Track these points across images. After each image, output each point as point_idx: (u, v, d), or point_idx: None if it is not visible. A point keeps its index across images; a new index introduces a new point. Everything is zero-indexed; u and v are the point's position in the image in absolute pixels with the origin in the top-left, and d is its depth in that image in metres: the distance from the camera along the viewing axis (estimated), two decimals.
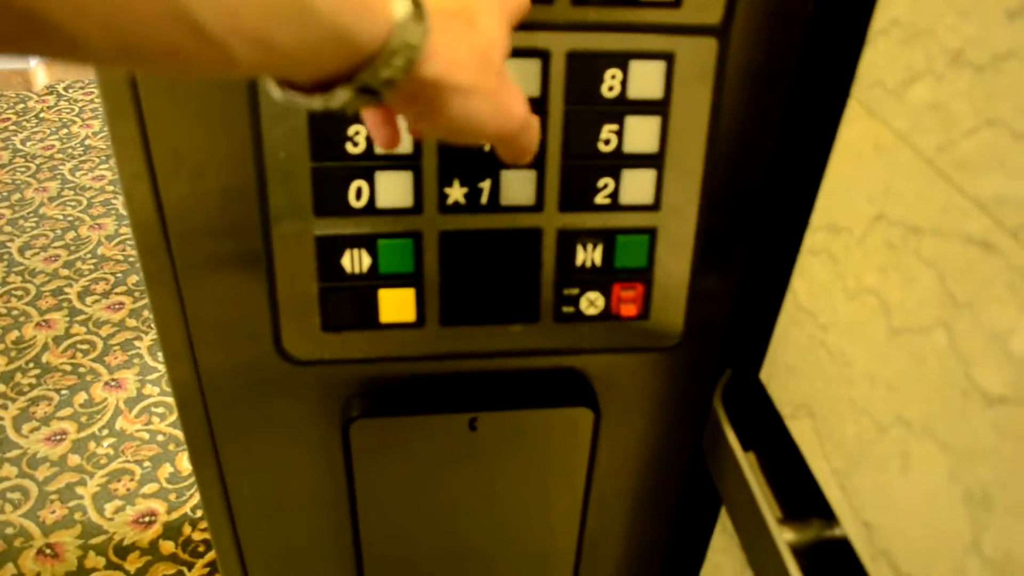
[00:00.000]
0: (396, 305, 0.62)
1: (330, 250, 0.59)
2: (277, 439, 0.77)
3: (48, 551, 1.53)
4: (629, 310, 0.65)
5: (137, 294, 2.20)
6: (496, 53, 0.40)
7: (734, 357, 0.73)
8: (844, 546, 0.52)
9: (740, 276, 0.69)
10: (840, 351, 0.53)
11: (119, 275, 2.28)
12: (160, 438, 1.77)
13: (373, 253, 0.59)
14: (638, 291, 0.64)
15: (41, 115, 3.23)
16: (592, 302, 0.64)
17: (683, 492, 0.85)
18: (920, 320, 0.44)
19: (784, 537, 0.56)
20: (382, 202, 0.58)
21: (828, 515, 0.55)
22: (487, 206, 0.60)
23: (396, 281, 0.61)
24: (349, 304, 0.61)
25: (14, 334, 2.06)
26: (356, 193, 0.57)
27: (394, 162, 0.57)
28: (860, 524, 0.50)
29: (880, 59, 0.48)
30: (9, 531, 1.57)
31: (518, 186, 0.59)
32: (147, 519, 1.60)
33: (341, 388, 0.74)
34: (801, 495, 0.61)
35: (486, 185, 0.59)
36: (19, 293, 2.21)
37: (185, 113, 0.55)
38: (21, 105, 3.30)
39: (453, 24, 0.38)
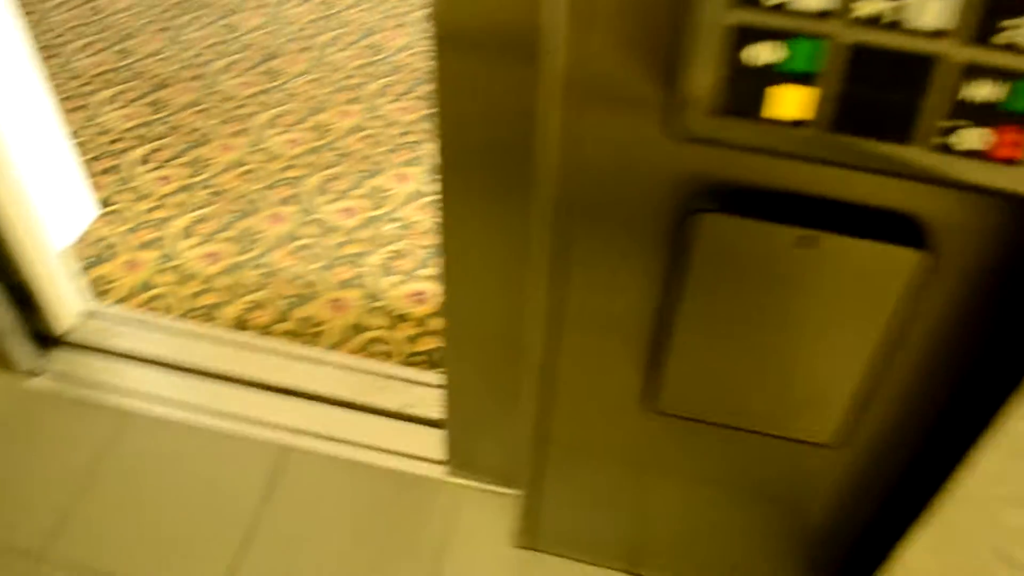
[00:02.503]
0: (790, 102, 0.66)
1: (741, 39, 0.64)
2: (615, 231, 0.85)
3: (336, 303, 1.77)
4: (1009, 153, 0.66)
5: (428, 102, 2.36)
6: None
7: None
8: None
9: None
10: None
11: (412, 82, 2.45)
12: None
13: (782, 48, 0.64)
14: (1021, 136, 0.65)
15: None
16: (974, 138, 0.66)
17: (986, 354, 0.87)
18: None
19: None
20: (797, 5, 0.61)
21: None
22: (895, 25, 0.62)
23: (795, 79, 0.65)
24: (746, 93, 0.66)
25: (319, 117, 2.30)
26: None
27: None
28: None
29: None
30: (307, 280, 1.82)
31: (931, 10, 0.61)
32: (419, 296, 1.80)
33: (692, 186, 0.80)
34: None
35: (901, 4, 0.61)
36: (323, 81, 2.44)
37: None
38: None
39: None
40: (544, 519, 1.34)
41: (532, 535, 1.37)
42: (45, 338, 1.64)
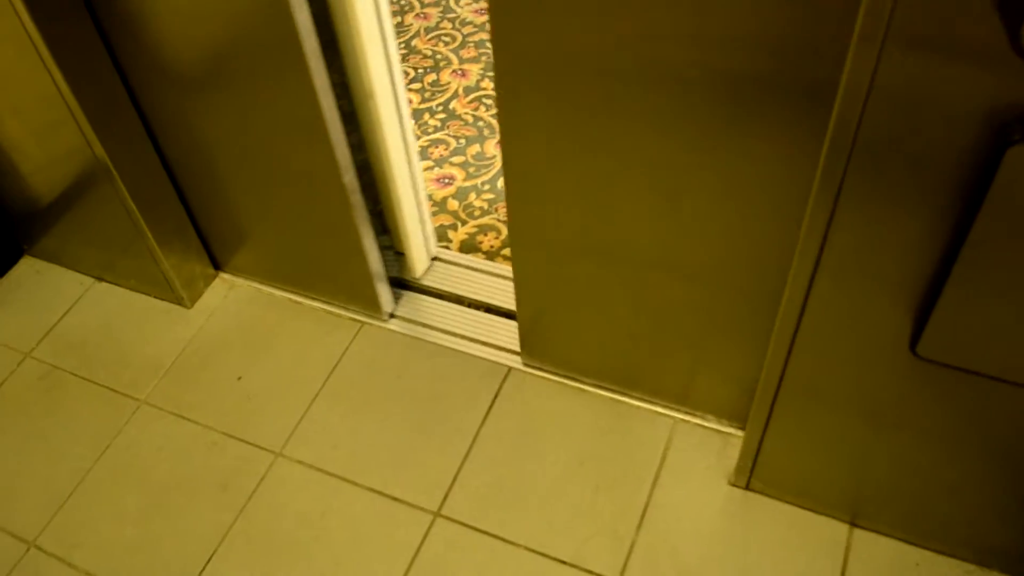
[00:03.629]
0: None
1: None
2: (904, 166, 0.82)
3: None
4: None
5: None
6: None
7: None
8: None
9: None
10: None
11: None
12: (480, 123, 2.12)
13: None
14: None
15: None
16: None
17: None
18: None
19: None
20: None
21: None
22: None
23: None
24: None
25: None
26: None
27: None
28: None
29: None
30: None
31: None
32: (446, 180, 1.97)
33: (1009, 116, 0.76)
34: None
35: None
36: (447, 39, 2.43)
37: None
38: None
39: None
40: (765, 460, 1.33)
41: (750, 475, 1.37)
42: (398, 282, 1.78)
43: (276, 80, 1.32)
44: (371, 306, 1.69)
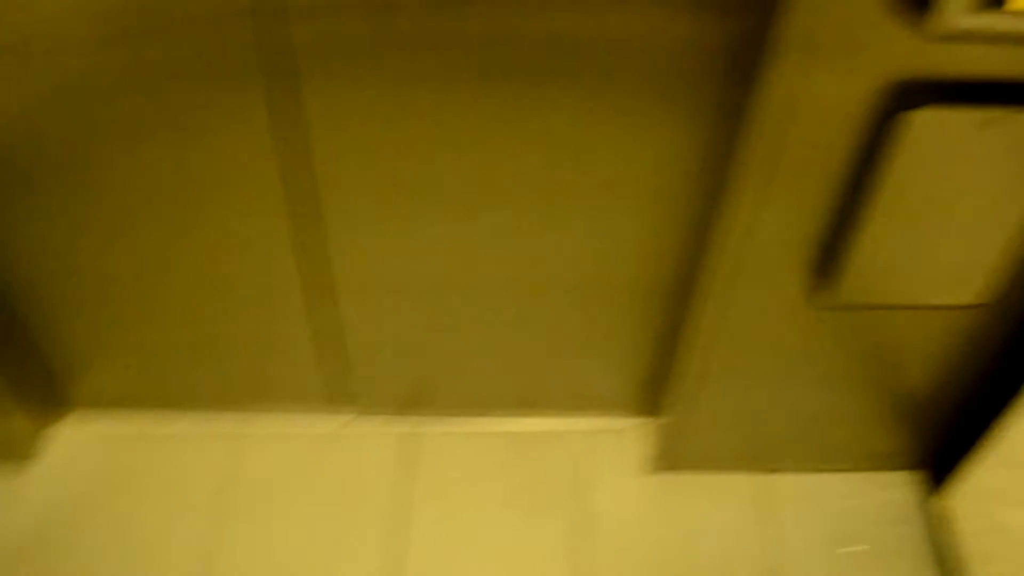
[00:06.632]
0: None
1: None
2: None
3: None
4: None
5: None
6: None
7: None
8: None
9: None
10: None
11: None
12: None
13: None
14: None
15: None
16: None
17: None
18: None
19: None
20: None
21: None
22: None
23: None
24: None
25: None
26: None
27: None
28: None
29: None
30: None
31: None
32: None
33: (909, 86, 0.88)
34: None
35: None
36: None
37: None
38: None
39: None
40: (679, 440, 1.42)
41: (668, 458, 1.45)
42: None
43: None
44: None
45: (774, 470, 1.47)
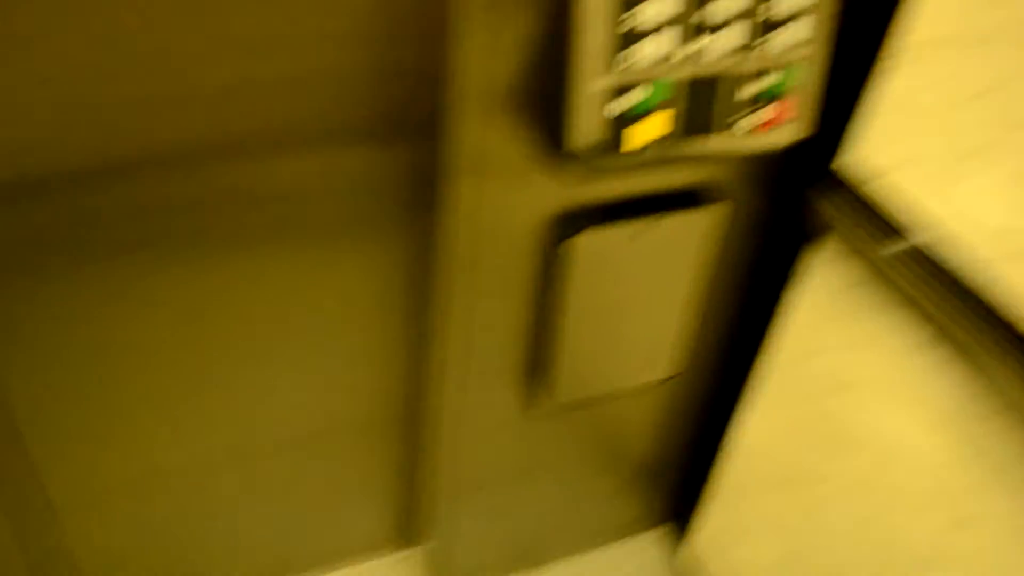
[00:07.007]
0: (651, 127, 0.87)
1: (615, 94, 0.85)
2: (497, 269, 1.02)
3: None
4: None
5: None
6: None
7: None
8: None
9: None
10: None
11: None
12: None
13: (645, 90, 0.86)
14: None
15: None
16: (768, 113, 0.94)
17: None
18: None
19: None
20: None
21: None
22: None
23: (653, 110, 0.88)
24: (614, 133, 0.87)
25: None
26: None
27: None
28: None
29: None
30: None
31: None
32: None
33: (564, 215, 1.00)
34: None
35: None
36: None
37: None
38: None
39: None
40: (451, 559, 1.45)
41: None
42: None
43: None
44: None
45: (542, 563, 1.54)
